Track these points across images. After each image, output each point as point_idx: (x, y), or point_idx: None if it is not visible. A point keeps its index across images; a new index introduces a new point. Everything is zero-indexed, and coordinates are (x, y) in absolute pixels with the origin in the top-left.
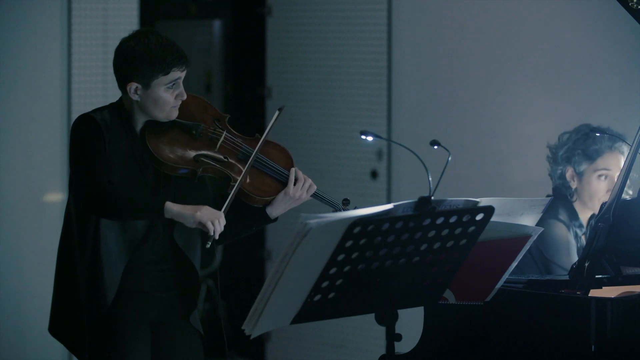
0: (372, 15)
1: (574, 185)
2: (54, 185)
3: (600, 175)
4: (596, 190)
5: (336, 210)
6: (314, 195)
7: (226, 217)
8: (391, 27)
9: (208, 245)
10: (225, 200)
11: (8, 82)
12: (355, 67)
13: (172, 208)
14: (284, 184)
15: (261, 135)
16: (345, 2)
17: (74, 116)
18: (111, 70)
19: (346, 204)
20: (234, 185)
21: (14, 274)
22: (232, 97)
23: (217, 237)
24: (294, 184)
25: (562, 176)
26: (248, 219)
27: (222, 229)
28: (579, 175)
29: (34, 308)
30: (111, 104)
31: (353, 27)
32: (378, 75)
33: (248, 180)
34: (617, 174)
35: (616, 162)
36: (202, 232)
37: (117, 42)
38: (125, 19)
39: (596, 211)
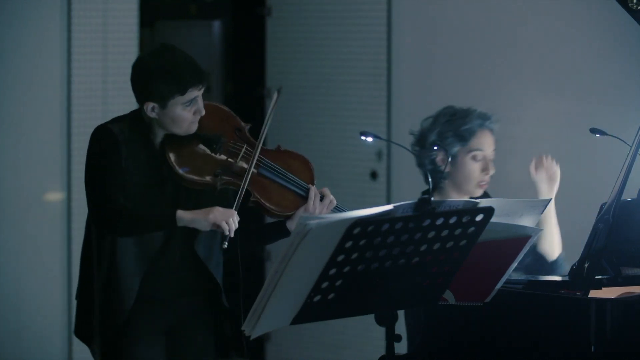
0: (371, 16)
1: (445, 167)
2: (54, 184)
3: (474, 156)
4: (471, 171)
5: None
6: (335, 209)
7: (245, 230)
8: (391, 28)
9: (225, 246)
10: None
11: (8, 82)
12: (354, 68)
13: (184, 216)
14: (304, 197)
15: (282, 147)
16: (344, 3)
17: (74, 116)
18: (111, 70)
19: None
20: (243, 183)
21: (14, 274)
22: (232, 97)
23: (232, 235)
24: (313, 201)
25: (433, 161)
26: (268, 232)
27: (237, 225)
28: (452, 157)
29: (33, 308)
30: (132, 113)
31: (353, 27)
32: (378, 75)
33: (268, 195)
34: (489, 152)
35: (488, 140)
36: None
37: (117, 43)
38: (125, 19)
39: (473, 194)
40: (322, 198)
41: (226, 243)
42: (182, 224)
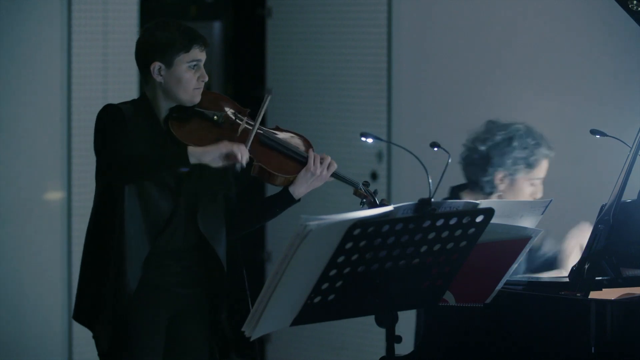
0: (372, 17)
1: (502, 187)
2: (54, 184)
3: (532, 184)
4: (524, 195)
5: (357, 189)
6: (334, 174)
7: (249, 201)
8: (391, 29)
9: (238, 168)
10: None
11: (8, 82)
12: (355, 69)
13: (195, 150)
14: (304, 164)
15: (279, 126)
16: (345, 4)
17: (74, 116)
18: (111, 71)
19: (367, 185)
20: (253, 130)
21: (14, 274)
22: (232, 98)
23: (244, 164)
24: (314, 161)
25: (491, 181)
26: (272, 202)
27: (247, 157)
28: (512, 180)
29: (33, 308)
30: (133, 99)
31: (353, 28)
32: (378, 76)
33: (270, 161)
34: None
35: (545, 167)
36: (227, 215)
37: (117, 43)
38: (125, 20)
39: None
40: (321, 161)
41: (239, 165)
42: (195, 158)
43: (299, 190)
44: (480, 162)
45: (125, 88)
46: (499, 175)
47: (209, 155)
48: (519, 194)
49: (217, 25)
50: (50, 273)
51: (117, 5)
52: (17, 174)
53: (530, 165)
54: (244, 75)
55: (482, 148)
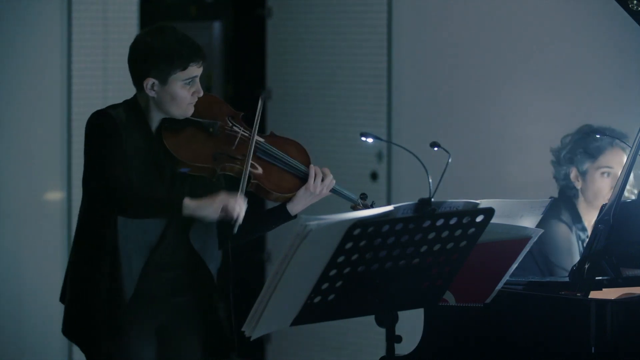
0: (372, 17)
1: (578, 185)
2: (54, 185)
3: (603, 173)
4: (600, 188)
5: (355, 204)
6: (333, 190)
7: (246, 215)
8: (391, 29)
9: (235, 231)
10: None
11: (8, 82)
12: (355, 69)
13: (190, 204)
14: (303, 180)
15: (275, 133)
16: (345, 4)
17: (74, 117)
18: (111, 71)
19: (364, 198)
20: (243, 169)
21: (14, 274)
22: (232, 98)
23: (240, 220)
24: (314, 180)
25: (567, 177)
26: (268, 217)
27: (244, 213)
28: (583, 174)
29: (33, 308)
30: (125, 102)
31: (353, 28)
32: (378, 77)
33: (268, 177)
34: (620, 170)
35: (618, 158)
36: (219, 228)
37: (117, 44)
38: (125, 20)
39: None
40: (322, 178)
41: (236, 228)
42: (188, 212)
43: (296, 207)
44: (557, 170)
45: (125, 88)
46: (572, 173)
47: (204, 208)
48: (596, 189)
49: (217, 25)
50: (50, 273)
51: (117, 5)
52: (17, 174)
53: (591, 155)
54: (244, 76)
55: (553, 158)
